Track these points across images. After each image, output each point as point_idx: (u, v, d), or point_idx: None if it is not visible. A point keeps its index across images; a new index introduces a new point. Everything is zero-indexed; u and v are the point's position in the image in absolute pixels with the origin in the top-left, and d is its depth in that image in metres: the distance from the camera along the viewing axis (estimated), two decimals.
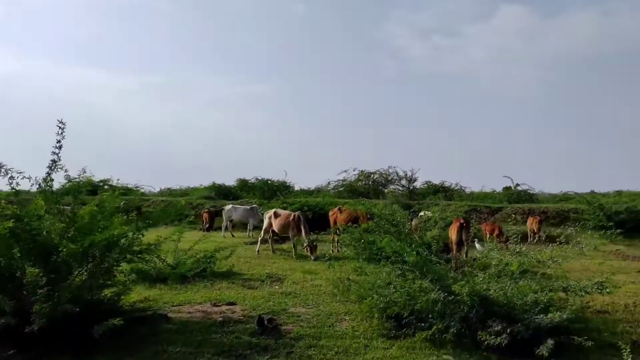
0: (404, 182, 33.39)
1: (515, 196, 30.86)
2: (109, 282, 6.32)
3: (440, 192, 33.14)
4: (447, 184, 34.36)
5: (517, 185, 32.11)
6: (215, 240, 17.16)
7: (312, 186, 35.53)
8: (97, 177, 29.99)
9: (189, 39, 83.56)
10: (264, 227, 13.61)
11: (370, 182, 33.64)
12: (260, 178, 33.65)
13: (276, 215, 13.28)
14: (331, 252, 13.67)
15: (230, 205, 19.69)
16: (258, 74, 79.67)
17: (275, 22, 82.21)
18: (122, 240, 6.26)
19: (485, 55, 74.38)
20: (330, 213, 14.45)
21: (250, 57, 78.96)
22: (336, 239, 14.22)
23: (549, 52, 72.14)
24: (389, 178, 33.59)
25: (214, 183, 34.43)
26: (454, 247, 10.66)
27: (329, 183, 34.55)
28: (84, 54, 79.18)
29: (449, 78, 71.84)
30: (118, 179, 31.88)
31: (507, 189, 32.74)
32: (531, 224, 19.58)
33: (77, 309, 5.16)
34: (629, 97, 67.81)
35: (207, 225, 21.82)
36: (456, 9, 74.62)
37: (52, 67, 74.09)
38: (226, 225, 19.05)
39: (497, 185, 36.87)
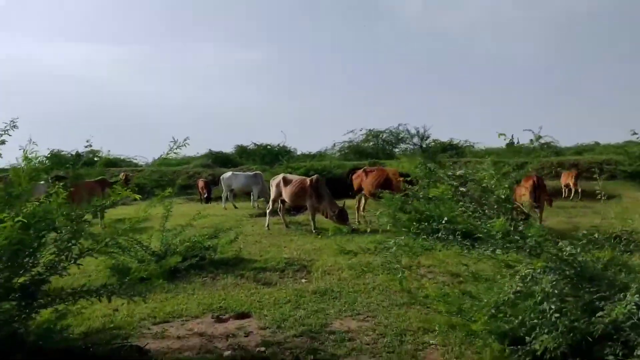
0: (415, 140, 30.74)
1: (539, 149, 28.29)
2: (38, 302, 3.74)
3: (449, 150, 30.63)
4: (455, 141, 31.62)
5: (540, 137, 29.21)
6: (215, 213, 14.67)
7: (314, 150, 32.87)
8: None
9: (181, 8, 79.27)
10: (272, 197, 11.05)
11: (380, 142, 30.94)
12: (258, 143, 30.94)
13: (286, 181, 10.70)
14: (357, 223, 11.17)
15: (230, 172, 17.09)
16: (251, 40, 76.10)
17: None
18: (58, 234, 3.72)
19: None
20: (354, 176, 11.87)
21: (241, 23, 75.11)
22: (362, 207, 11.71)
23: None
24: (400, 137, 30.91)
25: (210, 151, 31.83)
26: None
27: (334, 145, 31.87)
28: (71, 28, 75.20)
29: (446, 37, 68.33)
30: (109, 150, 29.38)
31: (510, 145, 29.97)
32: (566, 178, 17.77)
33: None
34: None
35: (205, 196, 19.32)
36: None
37: (38, 44, 70.45)
38: (227, 196, 16.51)
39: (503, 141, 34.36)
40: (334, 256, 7.59)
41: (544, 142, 28.97)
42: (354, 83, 69.33)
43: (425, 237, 6.38)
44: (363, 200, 11.66)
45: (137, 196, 4.26)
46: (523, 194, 8.37)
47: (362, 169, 11.86)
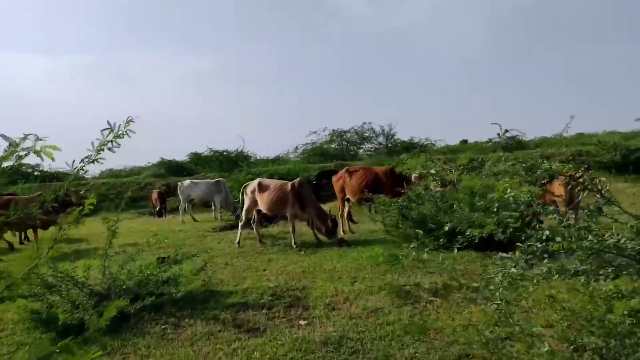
0: (381, 139, 29.53)
1: (505, 144, 27.63)
2: None
3: (411, 149, 29.61)
4: (416, 140, 30.61)
5: (507, 131, 28.58)
6: (172, 228, 12.73)
7: (274, 154, 31.12)
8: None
9: (125, 16, 75.72)
10: (245, 206, 9.26)
11: (344, 143, 29.53)
12: (215, 149, 28.84)
13: (262, 187, 8.94)
14: (342, 233, 9.55)
15: (189, 181, 15.09)
16: (198, 47, 73.48)
17: None
18: None
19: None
20: (335, 178, 10.25)
21: (188, 30, 72.43)
22: (347, 213, 10.10)
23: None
24: (365, 136, 29.61)
25: (162, 159, 29.50)
26: (564, 209, 6.83)
27: (296, 147, 30.17)
28: (9, 38, 70.11)
29: (392, 36, 68.32)
30: (50, 164, 26.64)
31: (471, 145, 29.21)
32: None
33: None
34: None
35: (157, 208, 17.29)
36: None
37: None
38: (185, 207, 14.52)
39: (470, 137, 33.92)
40: (332, 281, 5.93)
41: (510, 136, 28.47)
42: (310, 84, 68.08)
43: (436, 247, 4.94)
44: (346, 206, 10.05)
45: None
46: (555, 191, 6.97)
47: (344, 170, 10.26)
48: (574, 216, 6.78)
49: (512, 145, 27.40)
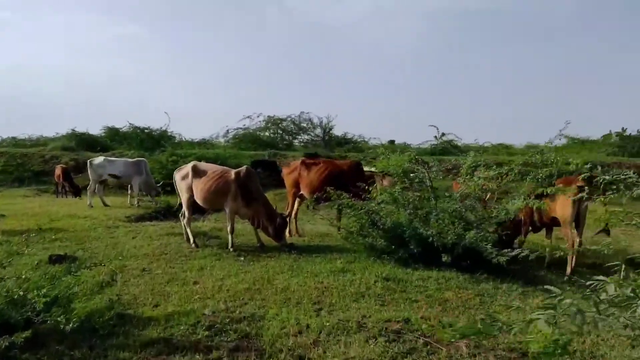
0: (318, 131, 28.29)
1: (441, 148, 27.45)
2: None
3: (344, 144, 28.73)
4: (349, 136, 29.73)
5: (443, 135, 28.37)
6: (76, 212, 10.63)
7: (200, 137, 28.94)
8: None
9: None
10: (184, 198, 7.40)
11: (279, 131, 27.94)
12: (135, 126, 26.11)
13: (198, 172, 7.20)
14: (290, 236, 8.05)
15: (102, 158, 12.83)
16: (127, 14, 68.20)
17: None
18: None
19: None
20: (287, 171, 8.72)
21: None
22: (295, 212, 8.61)
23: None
24: (302, 126, 28.21)
25: (73, 131, 26.31)
26: (568, 230, 5.76)
27: (227, 132, 28.13)
28: None
29: (332, 30, 67.82)
30: None
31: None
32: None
33: None
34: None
35: (62, 188, 14.83)
36: None
37: None
38: (94, 188, 12.30)
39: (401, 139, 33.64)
40: (289, 307, 4.47)
41: (446, 139, 28.31)
42: (242, 68, 65.56)
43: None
44: (296, 204, 8.56)
45: None
46: (559, 207, 5.84)
47: (299, 161, 8.73)
48: (578, 239, 5.82)
49: (449, 149, 27.30)
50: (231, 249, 6.94)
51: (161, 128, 25.87)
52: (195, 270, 5.82)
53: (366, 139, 29.97)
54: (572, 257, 5.77)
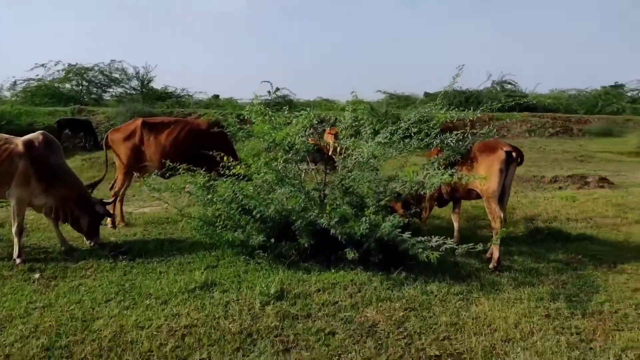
0: (134, 83, 24.49)
1: (274, 104, 26.14)
2: None
3: (167, 99, 25.67)
4: (170, 90, 26.60)
5: (277, 89, 26.91)
6: None
7: None
8: None
9: None
10: None
11: (84, 83, 23.36)
12: None
13: None
14: (114, 227, 5.79)
15: None
16: None
17: None
18: None
19: None
20: (117, 135, 6.20)
21: None
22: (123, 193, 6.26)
23: None
24: (113, 77, 24.05)
25: None
26: (492, 205, 4.60)
27: (14, 83, 22.60)
28: None
29: None
30: None
31: None
32: (327, 137, 15.99)
33: None
34: None
35: None
36: None
37: None
38: None
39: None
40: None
41: (281, 94, 27.01)
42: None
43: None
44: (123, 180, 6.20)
45: None
46: (486, 173, 4.65)
47: (139, 120, 6.30)
48: (502, 214, 4.78)
49: (283, 104, 26.11)
50: (18, 261, 4.56)
51: None
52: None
53: (191, 93, 27.11)
54: (498, 247, 4.64)
